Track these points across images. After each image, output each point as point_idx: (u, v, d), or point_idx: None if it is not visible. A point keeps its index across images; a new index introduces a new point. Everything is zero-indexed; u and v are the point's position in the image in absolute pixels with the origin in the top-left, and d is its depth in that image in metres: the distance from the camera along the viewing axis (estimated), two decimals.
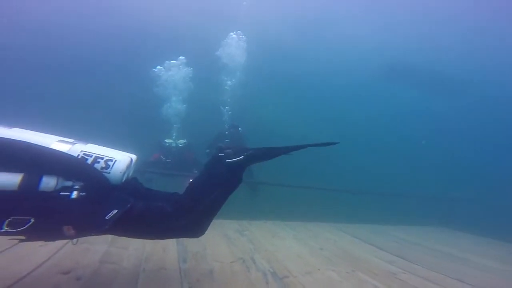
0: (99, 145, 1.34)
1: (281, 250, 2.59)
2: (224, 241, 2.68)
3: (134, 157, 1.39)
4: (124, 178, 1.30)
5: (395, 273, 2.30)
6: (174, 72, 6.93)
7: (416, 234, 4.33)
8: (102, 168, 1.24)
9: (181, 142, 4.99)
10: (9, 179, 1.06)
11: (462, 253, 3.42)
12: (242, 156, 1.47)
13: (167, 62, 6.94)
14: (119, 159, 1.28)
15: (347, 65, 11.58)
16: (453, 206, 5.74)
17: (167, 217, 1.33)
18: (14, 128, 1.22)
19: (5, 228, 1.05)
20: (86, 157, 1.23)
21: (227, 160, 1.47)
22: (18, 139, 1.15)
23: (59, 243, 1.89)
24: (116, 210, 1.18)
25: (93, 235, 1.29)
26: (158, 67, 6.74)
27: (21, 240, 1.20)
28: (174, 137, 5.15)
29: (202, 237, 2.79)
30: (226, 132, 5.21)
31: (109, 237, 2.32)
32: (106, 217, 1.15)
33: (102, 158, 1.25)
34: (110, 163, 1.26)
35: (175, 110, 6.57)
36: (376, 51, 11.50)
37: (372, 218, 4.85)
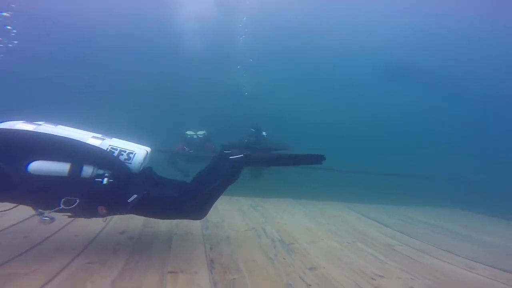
0: (121, 139, 1.66)
1: (290, 223, 2.92)
2: (239, 214, 3.07)
3: (149, 149, 1.71)
4: (141, 168, 1.63)
5: (392, 245, 2.53)
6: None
7: (427, 214, 4.43)
8: (125, 159, 1.57)
9: (201, 133, 5.39)
10: (62, 167, 1.40)
11: (467, 231, 3.52)
12: (242, 155, 1.76)
13: None
14: (138, 152, 1.61)
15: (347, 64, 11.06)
16: (470, 188, 5.62)
17: (176, 201, 1.67)
18: (59, 126, 1.55)
19: (61, 206, 1.41)
20: (113, 151, 1.56)
21: (230, 157, 1.79)
22: (65, 136, 1.48)
23: None
24: (136, 195, 1.51)
25: (118, 214, 1.65)
26: None
27: (69, 217, 1.57)
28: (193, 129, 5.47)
29: (221, 210, 3.22)
30: (246, 141, 5.18)
31: None
32: (128, 200, 1.50)
33: (125, 151, 1.58)
34: (131, 155, 1.58)
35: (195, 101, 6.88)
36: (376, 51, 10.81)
37: (386, 199, 4.97)
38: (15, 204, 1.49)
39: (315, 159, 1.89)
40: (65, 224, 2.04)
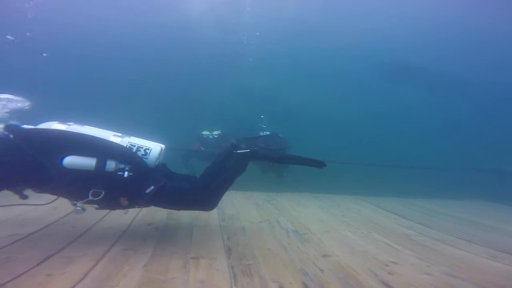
0: (138, 137, 1.85)
1: (304, 215, 2.99)
2: (254, 207, 3.19)
3: (163, 146, 1.89)
4: (157, 163, 1.80)
5: (409, 235, 2.51)
6: None
7: (449, 206, 4.25)
8: (142, 155, 1.75)
9: (216, 133, 5.59)
10: (90, 162, 1.59)
11: (492, 222, 3.34)
12: (249, 150, 1.90)
13: None
14: (154, 148, 1.79)
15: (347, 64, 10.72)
16: (501, 180, 5.26)
17: (188, 193, 1.83)
18: (86, 126, 1.76)
19: (90, 197, 1.61)
20: (132, 147, 1.75)
21: (237, 151, 1.92)
22: (91, 134, 1.69)
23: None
24: (153, 187, 1.69)
25: (137, 206, 1.83)
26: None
27: (96, 208, 1.78)
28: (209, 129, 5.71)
29: (236, 204, 3.36)
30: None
31: None
32: (146, 192, 1.67)
33: (142, 148, 1.77)
34: (148, 151, 1.77)
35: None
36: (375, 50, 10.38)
37: (406, 193, 4.83)
38: (56, 197, 1.72)
39: (316, 164, 2.02)
40: (102, 217, 2.31)
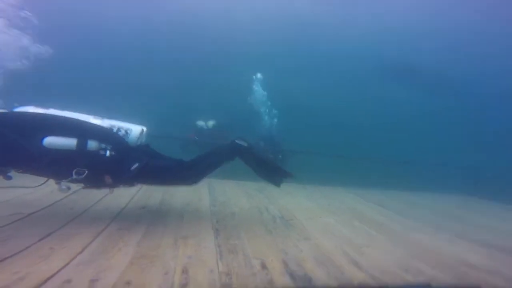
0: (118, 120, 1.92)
1: (292, 204, 3.16)
2: (244, 196, 3.35)
3: (145, 128, 1.98)
4: (139, 142, 1.90)
5: (386, 223, 2.71)
6: None
7: (429, 199, 4.49)
8: (123, 135, 1.85)
9: (211, 123, 5.69)
10: (70, 142, 1.67)
11: (464, 213, 3.60)
12: (246, 144, 2.06)
13: None
14: (134, 129, 1.90)
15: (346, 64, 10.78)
16: (478, 175, 5.54)
17: (172, 170, 1.97)
18: (65, 111, 1.82)
19: (74, 176, 1.69)
20: (113, 128, 1.85)
21: (235, 140, 2.07)
22: (72, 117, 1.77)
23: (131, 191, 2.73)
24: (137, 164, 1.80)
25: (122, 186, 1.93)
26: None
27: (83, 188, 1.87)
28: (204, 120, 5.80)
29: (227, 192, 3.52)
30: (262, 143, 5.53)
31: (162, 188, 3.16)
32: (131, 168, 1.78)
33: (123, 128, 1.87)
34: (129, 131, 1.87)
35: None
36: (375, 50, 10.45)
37: (392, 186, 5.04)
38: (45, 180, 1.81)
39: (284, 174, 2.24)
40: (98, 200, 2.43)
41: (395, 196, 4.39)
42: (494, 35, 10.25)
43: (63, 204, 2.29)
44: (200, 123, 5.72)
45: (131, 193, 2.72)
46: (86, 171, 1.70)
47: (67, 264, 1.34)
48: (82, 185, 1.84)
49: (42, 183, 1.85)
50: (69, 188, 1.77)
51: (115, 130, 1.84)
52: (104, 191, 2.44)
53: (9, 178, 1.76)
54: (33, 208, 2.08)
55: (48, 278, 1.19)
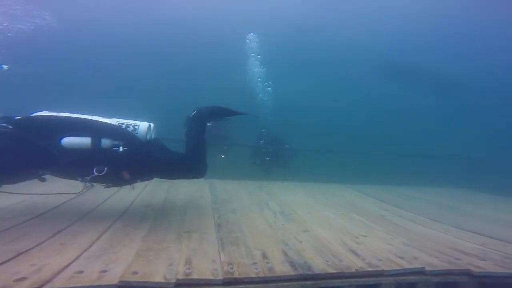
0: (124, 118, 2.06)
1: (292, 200, 3.23)
2: (245, 193, 3.43)
3: (152, 124, 2.11)
4: (148, 137, 2.03)
5: (383, 215, 2.77)
6: None
7: (427, 192, 4.54)
8: (132, 131, 1.98)
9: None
10: (85, 141, 1.80)
11: (461, 205, 3.66)
12: (194, 111, 2.19)
13: None
14: (142, 124, 2.02)
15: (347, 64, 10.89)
16: (476, 167, 5.59)
17: (177, 161, 2.09)
18: (75, 114, 1.96)
19: (95, 173, 1.82)
20: (122, 125, 1.98)
21: (189, 116, 2.20)
22: (83, 118, 1.91)
23: (137, 191, 2.82)
24: (149, 158, 1.92)
25: (140, 179, 2.06)
26: None
27: (105, 187, 2.01)
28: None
29: (229, 189, 3.60)
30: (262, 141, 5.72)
31: (165, 186, 3.25)
32: (144, 162, 1.90)
33: (131, 124, 2.00)
34: (136, 127, 2.00)
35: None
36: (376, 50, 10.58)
37: (391, 181, 5.09)
38: (82, 188, 1.92)
39: (239, 114, 2.30)
40: (104, 199, 2.53)
41: (393, 191, 4.45)
42: (496, 32, 10.28)
43: (70, 205, 2.38)
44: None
45: (135, 193, 2.80)
46: (106, 168, 1.82)
47: (78, 257, 1.42)
48: (104, 185, 1.98)
49: (81, 191, 1.95)
50: (92, 186, 1.89)
51: (123, 126, 1.97)
52: (109, 192, 2.56)
53: (43, 180, 1.91)
54: (41, 209, 2.17)
55: (62, 269, 1.27)
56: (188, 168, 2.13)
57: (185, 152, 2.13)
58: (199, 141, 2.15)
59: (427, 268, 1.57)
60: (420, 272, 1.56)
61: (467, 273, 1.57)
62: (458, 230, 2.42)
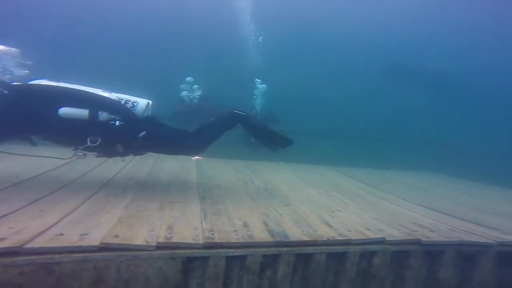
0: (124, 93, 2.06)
1: (277, 178, 3.33)
2: (232, 171, 3.48)
3: (150, 101, 2.12)
4: (145, 114, 2.03)
5: (359, 194, 2.95)
6: None
7: (404, 175, 4.82)
8: (131, 107, 1.98)
9: (197, 94, 5.61)
10: (83, 112, 1.81)
11: (429, 187, 3.96)
12: (245, 113, 2.20)
13: None
14: (140, 102, 2.03)
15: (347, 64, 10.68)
16: (447, 153, 5.95)
17: (178, 138, 2.11)
18: (75, 84, 1.93)
19: (88, 143, 1.84)
20: (121, 100, 1.98)
21: (233, 110, 2.19)
22: (83, 89, 1.90)
23: (120, 165, 2.78)
24: (145, 132, 1.94)
25: (132, 152, 2.07)
26: None
27: (96, 156, 2.01)
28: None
29: (215, 167, 3.64)
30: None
31: (150, 162, 3.23)
32: (139, 136, 1.92)
33: (130, 101, 2.01)
34: (135, 104, 2.01)
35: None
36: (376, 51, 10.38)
37: (372, 164, 5.33)
38: (72, 155, 1.92)
39: (283, 140, 2.32)
40: (88, 170, 2.51)
41: (373, 173, 4.69)
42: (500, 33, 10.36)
43: (50, 175, 2.33)
44: (185, 93, 5.59)
45: (118, 167, 2.77)
46: (99, 139, 1.85)
47: (58, 222, 1.43)
48: (96, 154, 1.99)
49: (71, 157, 1.95)
50: (85, 155, 1.90)
51: (122, 102, 1.97)
52: (90, 166, 2.53)
53: (34, 144, 1.91)
54: (20, 178, 2.11)
55: (42, 232, 1.28)
56: (188, 146, 2.14)
57: (194, 131, 2.14)
58: (216, 133, 2.18)
59: (388, 238, 1.73)
60: (381, 241, 1.73)
61: (418, 243, 1.78)
62: (421, 207, 2.64)
